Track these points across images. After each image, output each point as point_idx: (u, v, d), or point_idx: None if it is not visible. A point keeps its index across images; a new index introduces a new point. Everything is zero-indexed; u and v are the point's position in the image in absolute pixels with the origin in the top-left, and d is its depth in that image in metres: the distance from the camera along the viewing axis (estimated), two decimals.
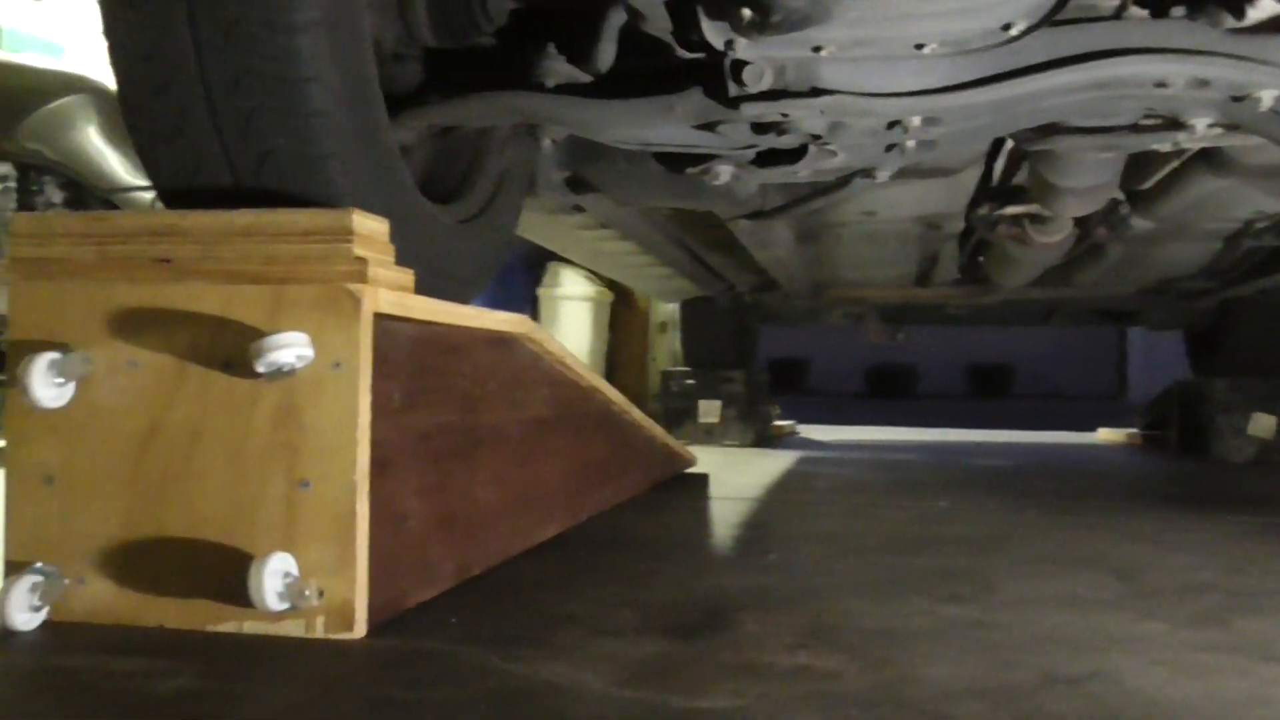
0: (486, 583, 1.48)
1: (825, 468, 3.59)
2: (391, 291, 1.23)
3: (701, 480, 2.93)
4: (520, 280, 6.52)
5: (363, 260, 1.17)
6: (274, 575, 1.11)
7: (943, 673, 1.12)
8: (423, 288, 1.33)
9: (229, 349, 1.17)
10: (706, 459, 3.73)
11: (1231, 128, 1.68)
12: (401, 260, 1.29)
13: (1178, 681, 1.10)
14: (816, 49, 1.36)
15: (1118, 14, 1.48)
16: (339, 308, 1.16)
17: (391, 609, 1.25)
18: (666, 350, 6.35)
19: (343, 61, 1.25)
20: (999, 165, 2.40)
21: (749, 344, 4.81)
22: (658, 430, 2.76)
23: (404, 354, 1.28)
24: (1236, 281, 3.64)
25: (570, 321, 6.25)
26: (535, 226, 2.83)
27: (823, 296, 4.36)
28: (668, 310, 6.17)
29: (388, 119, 1.37)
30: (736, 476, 3.15)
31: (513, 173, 1.85)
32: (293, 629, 1.16)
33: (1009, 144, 2.09)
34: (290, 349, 1.12)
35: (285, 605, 1.12)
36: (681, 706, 0.98)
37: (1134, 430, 5.26)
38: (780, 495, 2.73)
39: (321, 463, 1.16)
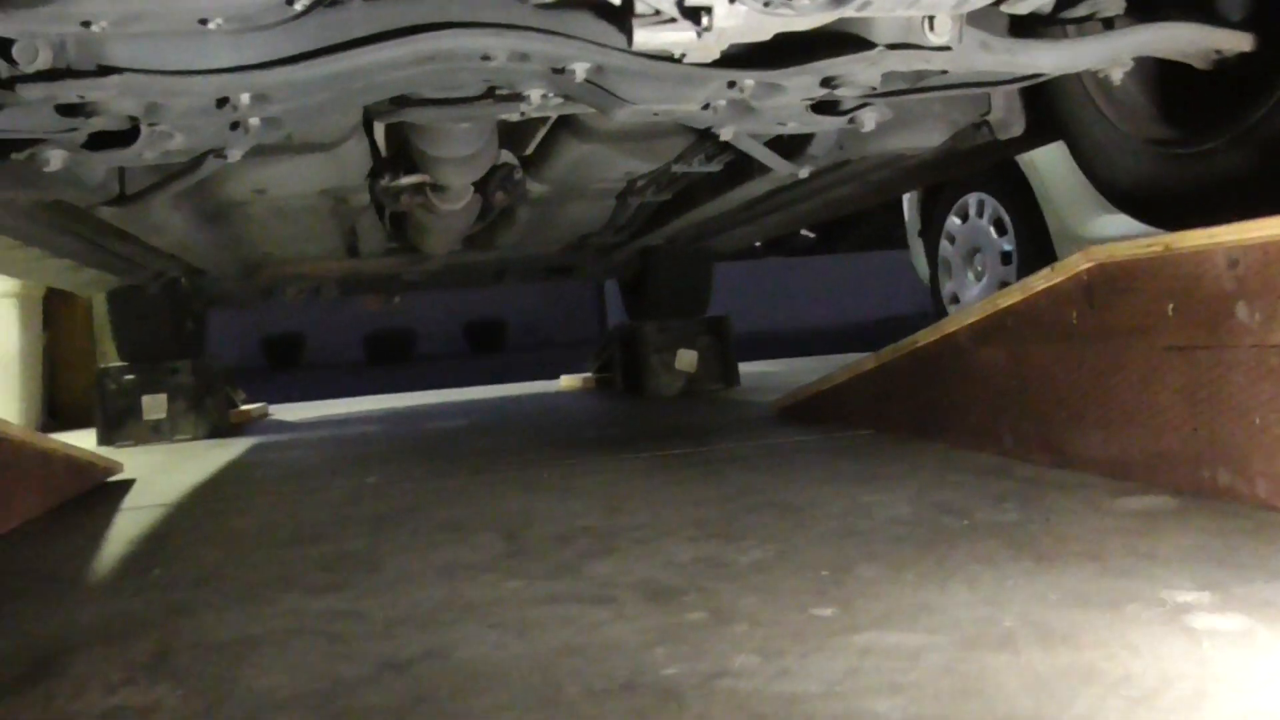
0: None
1: (275, 454, 3.45)
2: None
3: (122, 489, 2.68)
4: None
5: None
6: None
7: (273, 681, 1.08)
8: None
9: None
10: (147, 460, 3.43)
11: (568, 98, 1.78)
12: None
13: (505, 643, 1.14)
14: (86, 24, 1.22)
15: None
16: None
17: None
18: None
19: None
20: (380, 137, 2.39)
21: (194, 330, 4.48)
22: (54, 443, 2.47)
23: None
24: (642, 233, 3.96)
25: None
26: None
27: (259, 276, 4.15)
28: None
29: None
30: (169, 478, 2.91)
31: None
32: None
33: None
34: None
35: None
36: None
37: (588, 374, 5.63)
38: (207, 493, 2.57)
39: None
